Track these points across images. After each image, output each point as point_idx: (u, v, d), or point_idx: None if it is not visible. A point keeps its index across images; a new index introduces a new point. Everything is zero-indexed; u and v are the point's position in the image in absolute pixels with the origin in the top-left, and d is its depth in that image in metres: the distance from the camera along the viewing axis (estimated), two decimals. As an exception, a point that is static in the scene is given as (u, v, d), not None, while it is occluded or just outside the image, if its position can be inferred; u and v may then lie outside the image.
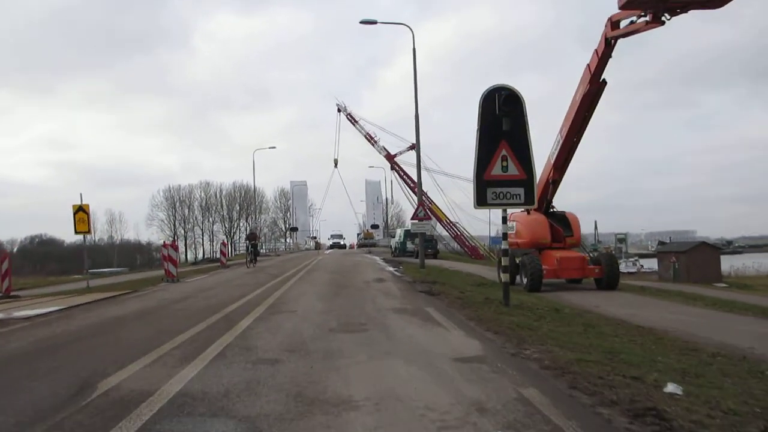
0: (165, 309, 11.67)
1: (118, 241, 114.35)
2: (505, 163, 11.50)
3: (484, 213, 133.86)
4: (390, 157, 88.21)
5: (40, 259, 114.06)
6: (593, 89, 15.14)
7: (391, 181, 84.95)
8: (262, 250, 76.86)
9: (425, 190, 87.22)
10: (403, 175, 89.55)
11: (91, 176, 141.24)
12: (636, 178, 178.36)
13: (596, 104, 15.73)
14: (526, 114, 11.54)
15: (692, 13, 12.16)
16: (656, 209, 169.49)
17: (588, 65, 15.05)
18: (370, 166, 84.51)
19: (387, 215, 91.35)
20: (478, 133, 11.55)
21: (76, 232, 18.93)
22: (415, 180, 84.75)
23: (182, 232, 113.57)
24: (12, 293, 16.84)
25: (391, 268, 25.07)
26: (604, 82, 15.15)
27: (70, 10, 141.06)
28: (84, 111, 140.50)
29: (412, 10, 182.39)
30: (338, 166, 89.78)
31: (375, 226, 70.20)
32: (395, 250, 40.33)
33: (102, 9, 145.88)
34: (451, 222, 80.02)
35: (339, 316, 9.97)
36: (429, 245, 37.19)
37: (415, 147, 23.91)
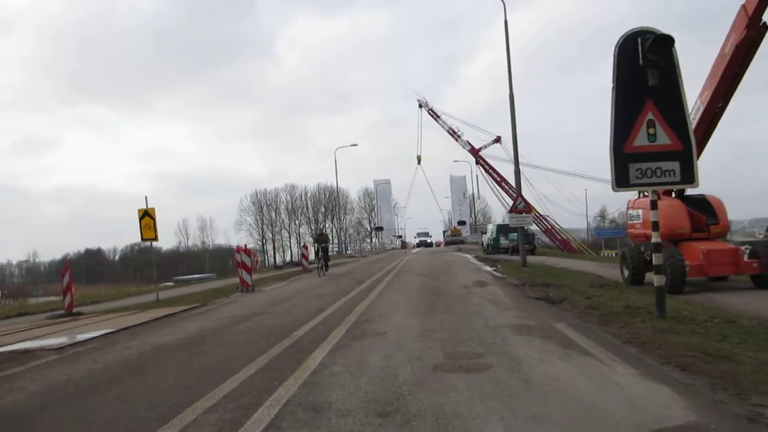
0: (223, 332, 9.43)
1: (210, 247, 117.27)
2: (652, 130, 8.64)
3: (575, 205, 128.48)
4: (474, 152, 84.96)
5: (140, 266, 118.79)
6: (750, 37, 11.81)
7: (476, 176, 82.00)
8: (348, 251, 75.99)
9: (511, 183, 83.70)
10: (489, 170, 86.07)
11: (186, 185, 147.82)
12: (736, 162, 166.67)
13: (752, 58, 12.38)
14: (679, 64, 8.65)
15: None
16: (755, 195, 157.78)
17: (743, 6, 11.74)
18: (455, 161, 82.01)
19: (474, 211, 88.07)
20: (613, 94, 8.73)
21: (143, 240, 17.27)
22: (501, 174, 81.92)
23: (270, 235, 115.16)
24: (75, 310, 15.25)
25: (488, 268, 22.28)
26: (766, 27, 11.81)
27: (161, 24, 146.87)
28: (179, 121, 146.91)
29: (493, 4, 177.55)
30: (421, 163, 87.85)
31: (462, 223, 67.24)
32: (487, 247, 37.36)
33: (189, 22, 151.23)
34: (541, 215, 76.01)
35: (443, 340, 7.38)
36: (526, 240, 34.04)
37: (512, 130, 21.16)
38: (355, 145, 53.61)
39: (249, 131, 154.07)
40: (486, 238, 38.66)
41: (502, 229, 37.39)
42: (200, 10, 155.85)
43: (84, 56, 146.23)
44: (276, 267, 37.59)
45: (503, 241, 36.20)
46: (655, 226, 8.95)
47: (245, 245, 22.94)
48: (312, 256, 29.61)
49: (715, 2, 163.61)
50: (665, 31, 8.53)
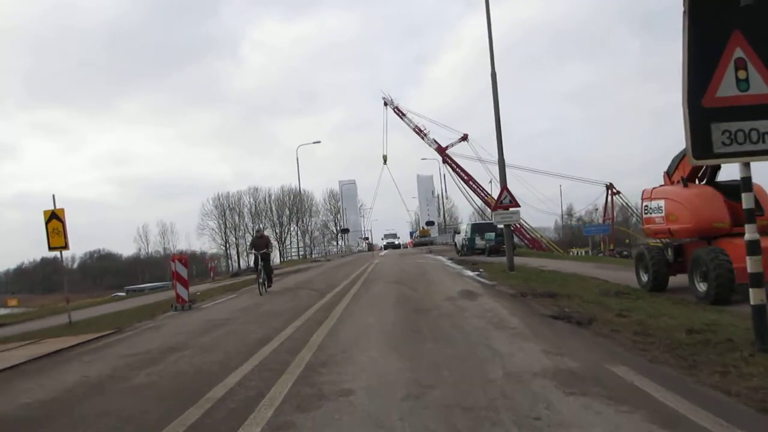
0: (106, 390, 6.20)
1: (172, 252, 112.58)
2: (743, 74, 5.81)
3: (543, 204, 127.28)
4: (441, 150, 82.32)
5: (99, 274, 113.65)
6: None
7: (444, 176, 79.54)
8: (314, 255, 72.47)
9: (479, 182, 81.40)
10: (456, 168, 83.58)
11: (151, 189, 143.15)
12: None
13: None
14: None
15: None
16: None
17: None
18: (423, 159, 79.04)
19: (443, 210, 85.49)
20: (684, 20, 5.87)
21: (50, 248, 13.79)
22: (469, 173, 79.47)
23: (233, 239, 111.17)
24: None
25: (470, 273, 19.36)
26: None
27: (122, 25, 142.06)
28: (142, 125, 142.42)
29: (459, 6, 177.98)
30: (387, 163, 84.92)
31: (431, 223, 64.55)
32: (462, 248, 34.47)
33: (153, 23, 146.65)
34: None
35: (448, 411, 4.36)
36: (502, 240, 31.29)
37: (495, 113, 18.32)
38: (318, 142, 50.48)
39: (214, 134, 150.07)
40: (460, 239, 35.80)
41: (477, 229, 34.60)
42: (162, 11, 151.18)
43: (38, 57, 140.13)
44: (233, 274, 34.16)
45: (479, 242, 33.40)
46: (750, 216, 6.04)
47: (181, 253, 19.52)
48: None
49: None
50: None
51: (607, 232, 44.84)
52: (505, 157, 19.16)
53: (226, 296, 17.76)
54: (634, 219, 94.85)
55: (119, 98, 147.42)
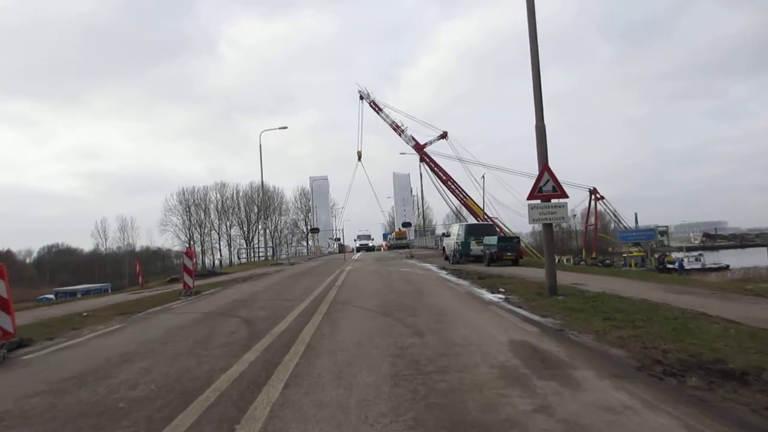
0: None
1: (136, 249, 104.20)
2: None
3: (523, 207, 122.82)
4: (419, 148, 75.58)
5: (57, 269, 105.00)
6: None
7: (420, 175, 72.97)
8: (282, 255, 64.96)
9: (459, 184, 74.97)
10: (435, 167, 77.14)
11: (120, 185, 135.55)
12: (660, 171, 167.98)
13: None
14: None
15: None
16: (683, 201, 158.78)
17: None
18: (401, 153, 72.40)
19: (422, 209, 78.85)
20: None
21: None
22: (448, 173, 73.05)
23: (198, 237, 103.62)
24: None
25: (490, 296, 12.62)
26: None
27: (97, 20, 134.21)
28: (113, 120, 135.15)
29: (436, 10, 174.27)
30: (362, 160, 78.10)
31: (407, 224, 58.03)
32: (454, 255, 27.61)
33: (128, 19, 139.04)
34: (489, 217, 67.59)
35: None
36: (510, 245, 24.66)
37: (535, 101, 11.70)
38: (285, 128, 43.36)
39: (188, 131, 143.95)
40: (451, 243, 28.90)
41: (473, 231, 27.87)
42: (138, 6, 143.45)
43: (6, 48, 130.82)
44: (169, 279, 26.93)
45: (474, 247, 26.68)
46: None
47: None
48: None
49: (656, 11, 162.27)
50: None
51: (652, 238, 38.80)
52: (544, 128, 12.47)
53: (110, 326, 10.73)
54: (612, 225, 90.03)
55: (90, 92, 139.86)
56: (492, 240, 24.90)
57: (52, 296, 42.28)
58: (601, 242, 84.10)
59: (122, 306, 14.60)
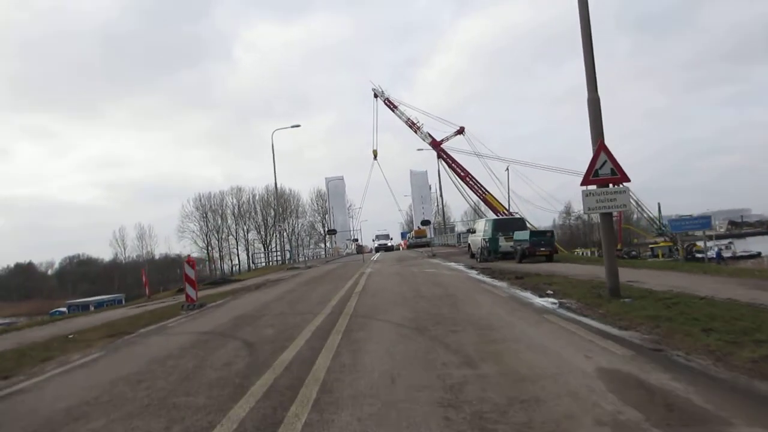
0: None
1: (155, 256, 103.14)
2: None
3: (545, 200, 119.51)
4: (436, 144, 73.32)
5: (78, 280, 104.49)
6: None
7: (438, 172, 70.85)
8: (301, 258, 62.71)
9: (478, 179, 72.76)
10: (452, 164, 74.91)
11: (139, 193, 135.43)
12: (682, 160, 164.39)
13: None
14: None
15: None
16: (705, 190, 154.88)
17: None
18: (418, 149, 70.32)
19: (442, 206, 76.62)
20: None
21: None
22: (465, 168, 70.88)
23: (216, 242, 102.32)
24: None
25: (539, 300, 10.54)
26: None
27: (115, 29, 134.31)
28: (131, 129, 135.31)
29: (449, 9, 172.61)
30: (378, 159, 76.01)
31: (426, 222, 55.78)
32: (481, 252, 25.44)
33: (145, 27, 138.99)
34: (510, 213, 65.28)
35: None
36: (543, 239, 22.51)
37: (586, 70, 9.61)
38: (298, 126, 41.50)
39: (205, 137, 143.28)
40: (477, 240, 26.69)
41: (501, 226, 25.70)
42: (155, 14, 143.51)
43: (29, 61, 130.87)
44: (178, 289, 25.10)
45: (504, 244, 24.55)
46: None
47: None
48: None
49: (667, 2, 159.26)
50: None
51: (708, 227, 36.34)
52: (599, 100, 10.38)
53: (83, 356, 8.83)
54: (635, 216, 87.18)
55: (109, 102, 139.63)
56: (523, 235, 22.71)
57: (65, 309, 40.72)
58: (624, 234, 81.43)
59: (115, 325, 12.71)
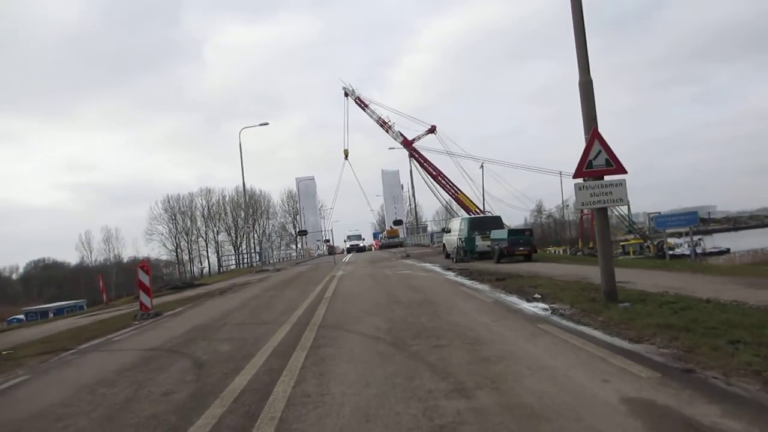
0: None
1: (123, 260, 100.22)
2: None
3: (517, 199, 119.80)
4: (408, 144, 72.18)
5: (45, 284, 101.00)
6: None
7: (410, 171, 69.86)
8: (271, 260, 60.80)
9: (450, 178, 71.97)
10: (424, 163, 73.98)
11: (107, 196, 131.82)
12: (651, 158, 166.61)
13: None
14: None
15: None
16: (672, 188, 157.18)
17: None
18: (390, 148, 69.25)
19: (414, 205, 75.58)
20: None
21: None
22: (438, 168, 70.04)
23: (185, 245, 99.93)
24: None
25: (530, 306, 9.46)
26: None
27: (81, 30, 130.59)
28: (101, 131, 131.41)
29: (418, 8, 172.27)
30: (349, 158, 74.71)
31: (399, 222, 54.70)
32: (458, 252, 24.42)
33: (112, 29, 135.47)
34: (482, 211, 64.62)
35: None
36: (522, 238, 21.57)
37: (578, 52, 8.64)
38: (266, 124, 40.19)
39: (176, 139, 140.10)
40: (453, 240, 25.60)
41: (478, 225, 24.72)
42: (121, 15, 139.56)
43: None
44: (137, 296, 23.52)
45: (480, 243, 23.59)
46: None
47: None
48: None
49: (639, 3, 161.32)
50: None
51: (694, 223, 35.71)
52: (591, 83, 9.37)
53: (4, 380, 7.49)
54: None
55: (75, 104, 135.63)
56: (501, 234, 21.75)
57: (23, 317, 38.64)
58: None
59: (56, 339, 11.35)
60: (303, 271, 29.33)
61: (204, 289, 22.25)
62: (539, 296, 10.36)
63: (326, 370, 5.92)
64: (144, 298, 13.64)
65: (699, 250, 66.50)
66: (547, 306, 9.19)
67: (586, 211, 76.93)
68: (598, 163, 9.18)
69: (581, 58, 9.31)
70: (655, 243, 72.24)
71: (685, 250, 69.70)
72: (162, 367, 6.99)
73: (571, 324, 7.52)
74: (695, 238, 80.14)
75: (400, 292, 13.04)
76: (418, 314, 9.28)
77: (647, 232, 77.32)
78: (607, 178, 9.25)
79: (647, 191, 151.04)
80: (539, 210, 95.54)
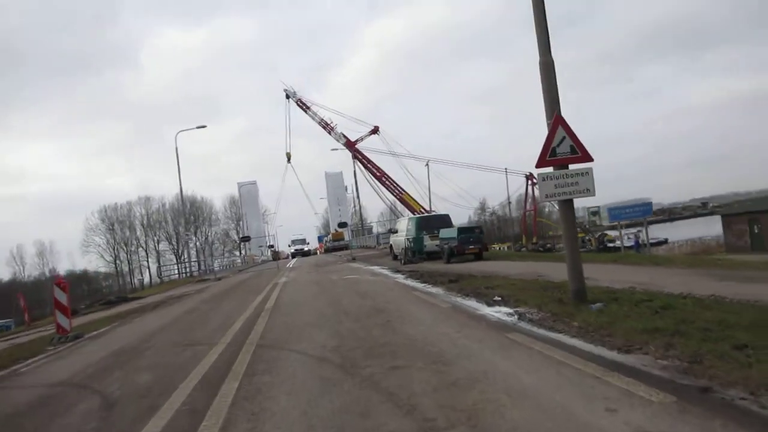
0: None
1: (54, 274, 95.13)
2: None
3: (460, 197, 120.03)
4: (351, 145, 71.02)
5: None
6: None
7: (354, 173, 68.79)
8: (214, 268, 58.22)
9: (394, 179, 71.25)
10: (368, 164, 73.04)
11: (44, 207, 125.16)
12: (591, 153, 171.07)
13: None
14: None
15: None
16: (610, 182, 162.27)
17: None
18: (333, 149, 68.08)
19: (359, 207, 74.52)
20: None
21: None
22: (381, 169, 69.20)
23: (125, 255, 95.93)
24: None
25: (493, 311, 8.50)
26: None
27: (12, 36, 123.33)
28: (30, 140, 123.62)
29: (359, 11, 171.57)
30: (292, 162, 72.86)
31: (343, 224, 53.44)
32: (405, 253, 23.45)
33: (46, 33, 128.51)
34: (428, 211, 64.16)
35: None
36: (472, 237, 20.79)
37: (537, 30, 7.82)
38: (203, 126, 38.36)
39: (114, 146, 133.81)
40: (400, 240, 24.54)
41: (426, 224, 23.84)
42: (55, 21, 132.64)
43: None
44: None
45: (429, 243, 22.70)
46: None
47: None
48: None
49: (581, 7, 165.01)
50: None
51: (649, 214, 35.59)
52: (552, 63, 8.50)
53: None
54: (547, 209, 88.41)
55: (7, 112, 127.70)
56: (451, 232, 20.92)
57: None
58: (539, 226, 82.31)
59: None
60: (245, 279, 27.80)
61: (138, 304, 20.56)
62: (499, 298, 9.45)
63: (261, 407, 4.77)
64: (61, 319, 12.05)
65: (640, 242, 68.04)
66: (511, 310, 8.27)
67: (529, 207, 77.80)
68: (562, 150, 8.33)
69: (541, 36, 8.43)
70: (596, 236, 73.53)
71: (625, 242, 71.16)
72: (62, 411, 5.68)
73: (543, 331, 6.60)
74: (635, 230, 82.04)
75: (347, 300, 11.93)
76: (368, 326, 8.21)
77: (587, 226, 78.70)
78: (572, 166, 8.42)
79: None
80: (482, 208, 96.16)
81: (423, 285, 13.32)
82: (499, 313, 8.20)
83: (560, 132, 8.28)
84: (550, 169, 8.45)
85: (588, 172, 8.38)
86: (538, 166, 8.40)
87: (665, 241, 62.55)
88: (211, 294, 19.84)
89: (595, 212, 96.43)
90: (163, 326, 11.83)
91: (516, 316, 7.73)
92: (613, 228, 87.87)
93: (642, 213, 35.21)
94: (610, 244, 68.98)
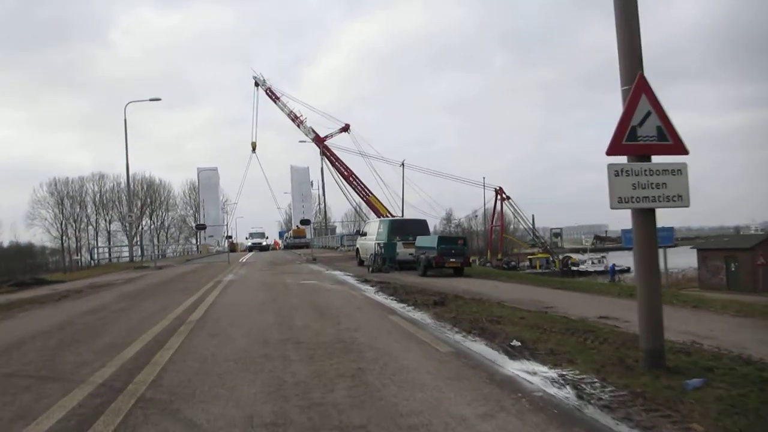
0: None
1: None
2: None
3: (430, 207, 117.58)
4: (320, 140, 67.66)
5: None
6: None
7: (322, 170, 65.44)
8: (167, 254, 54.24)
9: (362, 180, 68.13)
10: (336, 162, 69.83)
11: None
12: (552, 176, 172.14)
13: None
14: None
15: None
16: (571, 205, 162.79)
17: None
18: (301, 141, 64.78)
19: (324, 206, 71.15)
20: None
21: None
22: (349, 168, 66.01)
23: (72, 232, 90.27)
24: None
25: (520, 367, 5.40)
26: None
27: None
28: None
29: (339, 10, 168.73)
30: (258, 153, 69.21)
31: (306, 222, 50.14)
32: (374, 259, 20.13)
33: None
34: (395, 216, 61.31)
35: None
36: (455, 248, 17.79)
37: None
38: (158, 99, 34.67)
39: (74, 120, 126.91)
40: (369, 245, 21.13)
41: (399, 229, 20.74)
42: None
43: None
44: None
45: (402, 250, 19.61)
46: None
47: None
48: None
49: (541, 23, 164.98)
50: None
51: (670, 242, 33.09)
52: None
53: None
54: (512, 226, 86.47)
55: None
56: (429, 241, 17.89)
57: None
58: (504, 243, 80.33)
59: None
60: (187, 271, 24.27)
61: (50, 290, 16.94)
62: (519, 344, 6.44)
63: None
64: None
65: (602, 267, 66.36)
66: (552, 372, 5.22)
67: (496, 222, 75.52)
68: (645, 132, 5.35)
69: None
70: (560, 258, 71.73)
71: (589, 267, 69.34)
72: None
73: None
74: (599, 255, 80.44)
75: (301, 319, 8.77)
76: (330, 377, 5.07)
77: (549, 247, 77.04)
78: (656, 159, 5.48)
79: (554, 207, 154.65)
80: (448, 218, 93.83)
81: (401, 306, 10.17)
82: (535, 376, 5.14)
83: (644, 103, 5.28)
84: (623, 160, 5.49)
85: (682, 170, 5.41)
86: (609, 152, 5.37)
87: (628, 270, 60.84)
88: (138, 287, 16.35)
89: (557, 234, 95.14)
90: (37, 333, 8.41)
91: (571, 389, 4.69)
92: (576, 251, 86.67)
93: (662, 240, 32.65)
94: (574, 268, 67.20)
